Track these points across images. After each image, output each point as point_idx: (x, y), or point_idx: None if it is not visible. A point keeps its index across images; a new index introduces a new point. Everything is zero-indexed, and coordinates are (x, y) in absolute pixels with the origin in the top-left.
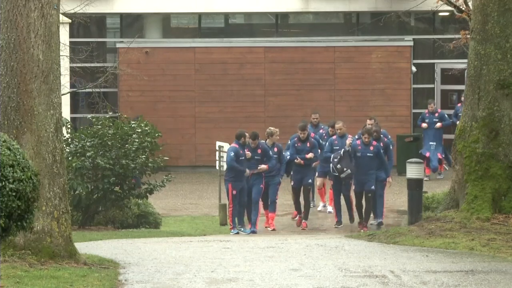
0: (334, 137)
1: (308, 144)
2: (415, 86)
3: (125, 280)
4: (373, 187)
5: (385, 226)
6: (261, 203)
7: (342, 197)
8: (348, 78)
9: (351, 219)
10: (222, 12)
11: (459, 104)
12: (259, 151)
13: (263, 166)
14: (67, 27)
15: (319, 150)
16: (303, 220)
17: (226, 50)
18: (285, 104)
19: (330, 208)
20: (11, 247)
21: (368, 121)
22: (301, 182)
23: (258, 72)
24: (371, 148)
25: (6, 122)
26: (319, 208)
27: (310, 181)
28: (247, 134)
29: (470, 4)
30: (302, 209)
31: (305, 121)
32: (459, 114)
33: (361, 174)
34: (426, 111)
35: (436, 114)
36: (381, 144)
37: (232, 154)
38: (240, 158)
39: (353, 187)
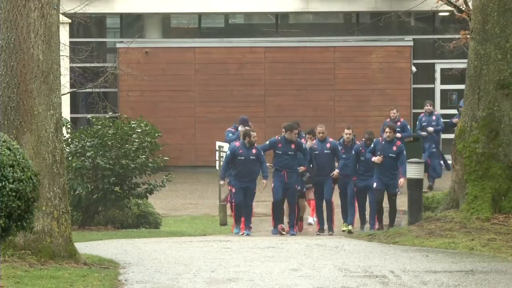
0: (314, 141)
1: (292, 146)
2: (415, 86)
3: (125, 280)
4: (397, 190)
5: (385, 226)
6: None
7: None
8: (348, 78)
9: (330, 228)
10: (222, 12)
11: (421, 114)
12: (292, 146)
13: (302, 168)
14: (67, 27)
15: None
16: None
17: (226, 50)
18: (285, 104)
19: (311, 219)
20: (11, 247)
21: (346, 131)
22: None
23: (258, 72)
24: (394, 148)
25: (6, 122)
26: (310, 221)
27: (298, 187)
28: (252, 134)
29: (470, 4)
30: (286, 218)
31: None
32: (424, 124)
33: (383, 174)
34: (388, 119)
35: (398, 123)
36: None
37: (229, 152)
38: (239, 158)
39: (374, 185)
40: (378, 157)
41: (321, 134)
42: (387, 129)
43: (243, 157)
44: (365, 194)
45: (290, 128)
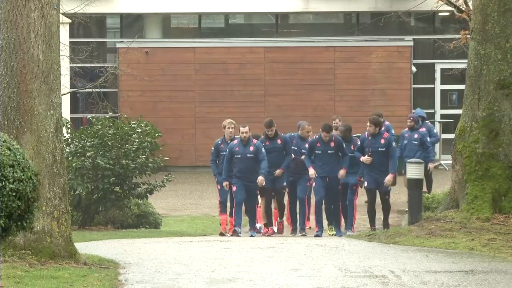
0: (294, 141)
1: (279, 141)
2: (415, 86)
3: (125, 280)
4: (389, 188)
5: (379, 227)
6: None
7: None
8: (348, 78)
9: (302, 229)
10: (222, 12)
11: (386, 123)
12: (332, 144)
13: (342, 172)
14: (67, 27)
15: None
16: (278, 220)
17: (226, 50)
18: (285, 104)
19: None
20: (11, 247)
21: (335, 120)
22: (272, 184)
23: (258, 72)
24: (382, 141)
25: (6, 122)
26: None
27: (284, 184)
28: (243, 129)
29: (470, 4)
30: (275, 216)
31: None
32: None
33: (373, 170)
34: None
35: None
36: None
37: (227, 151)
38: (236, 156)
39: (365, 184)
40: (366, 157)
41: (309, 133)
42: (368, 123)
43: (239, 155)
44: (345, 191)
45: (328, 129)
